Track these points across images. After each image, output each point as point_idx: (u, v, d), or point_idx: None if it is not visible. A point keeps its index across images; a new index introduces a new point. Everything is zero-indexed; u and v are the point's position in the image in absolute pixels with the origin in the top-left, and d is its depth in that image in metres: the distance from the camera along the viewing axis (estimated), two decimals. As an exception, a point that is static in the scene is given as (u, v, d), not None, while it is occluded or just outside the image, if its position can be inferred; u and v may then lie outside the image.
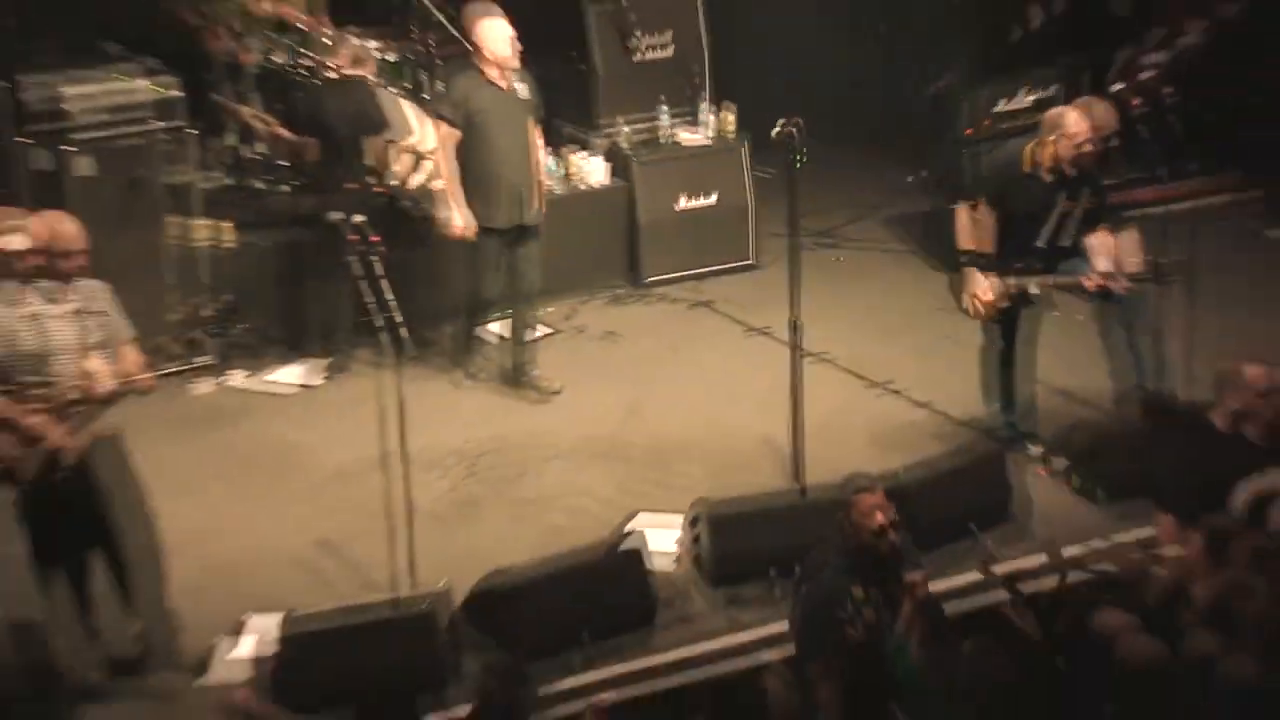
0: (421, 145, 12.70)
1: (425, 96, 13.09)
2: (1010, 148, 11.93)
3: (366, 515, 10.71)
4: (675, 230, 14.48)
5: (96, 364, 8.94)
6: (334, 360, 13.00)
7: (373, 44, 13.47)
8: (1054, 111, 11.60)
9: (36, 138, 12.22)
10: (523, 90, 12.40)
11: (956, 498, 10.77)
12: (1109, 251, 11.48)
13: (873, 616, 8.65)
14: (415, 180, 12.70)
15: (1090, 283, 11.30)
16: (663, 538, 10.64)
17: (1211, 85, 15.42)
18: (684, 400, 12.61)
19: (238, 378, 12.80)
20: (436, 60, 13.23)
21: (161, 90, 12.64)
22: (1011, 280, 11.41)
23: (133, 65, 12.61)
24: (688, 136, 14.68)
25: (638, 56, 14.71)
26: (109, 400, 9.02)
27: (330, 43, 13.37)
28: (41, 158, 12.22)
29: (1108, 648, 8.45)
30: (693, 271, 14.51)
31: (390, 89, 13.03)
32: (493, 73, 12.18)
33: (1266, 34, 15.42)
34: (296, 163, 13.24)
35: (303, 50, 13.41)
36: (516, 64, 12.23)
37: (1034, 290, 11.52)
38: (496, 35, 12.10)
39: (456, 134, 12.14)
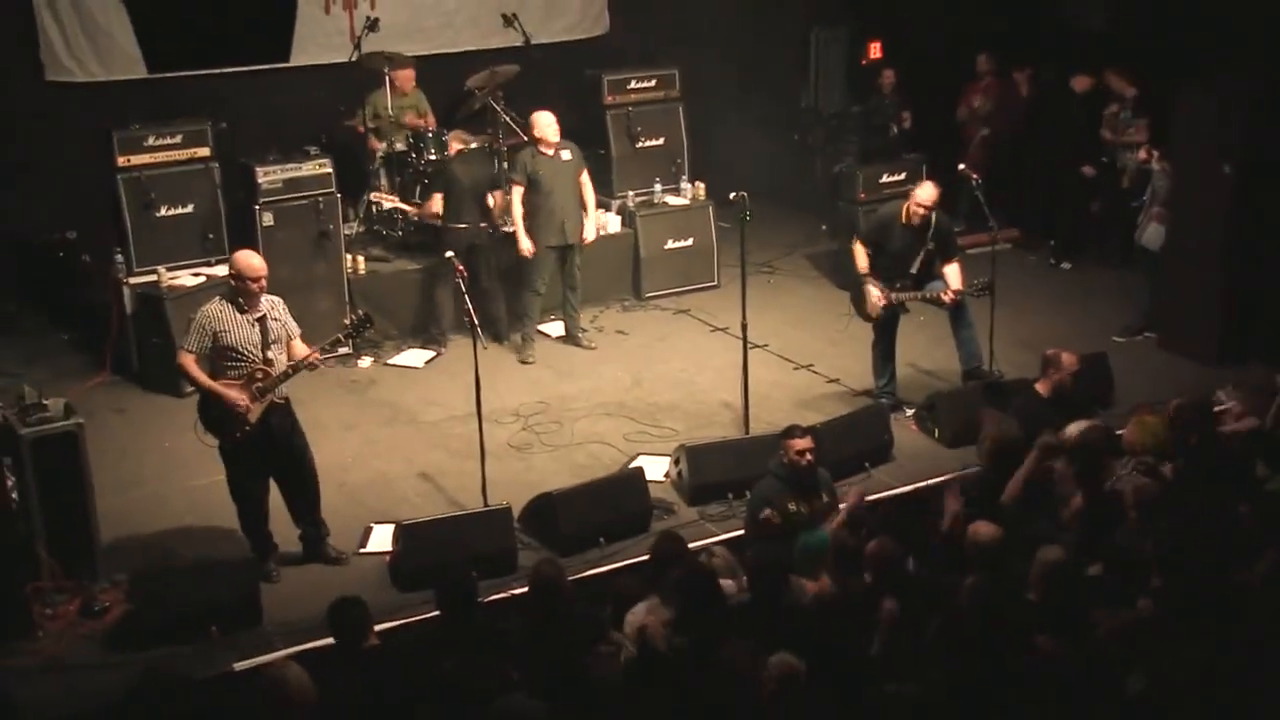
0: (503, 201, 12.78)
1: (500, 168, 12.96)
2: (889, 206, 11.80)
3: (453, 455, 10.76)
4: (665, 262, 14.28)
5: (273, 355, 8.96)
6: (433, 350, 12.77)
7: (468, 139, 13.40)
8: (921, 186, 11.55)
9: (261, 205, 12.37)
10: (566, 155, 12.55)
11: (855, 444, 10.62)
12: (957, 276, 11.36)
13: (801, 515, 8.98)
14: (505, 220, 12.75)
15: (947, 297, 11.22)
16: (655, 471, 10.52)
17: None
18: (669, 376, 12.39)
19: (368, 361, 12.58)
20: (502, 149, 12.96)
21: (321, 169, 12.60)
22: (894, 296, 11.28)
23: (315, 156, 12.70)
24: (673, 200, 14.49)
25: (639, 144, 14.60)
26: (283, 378, 8.97)
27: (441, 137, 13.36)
28: (267, 217, 12.35)
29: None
30: (677, 289, 14.30)
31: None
32: (544, 148, 12.39)
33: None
34: (424, 219, 13.03)
35: (423, 144, 13.29)
36: (557, 139, 12.45)
37: (910, 302, 11.45)
38: (544, 123, 12.41)
39: (522, 189, 12.37)
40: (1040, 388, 10.40)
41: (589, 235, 12.81)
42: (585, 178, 12.79)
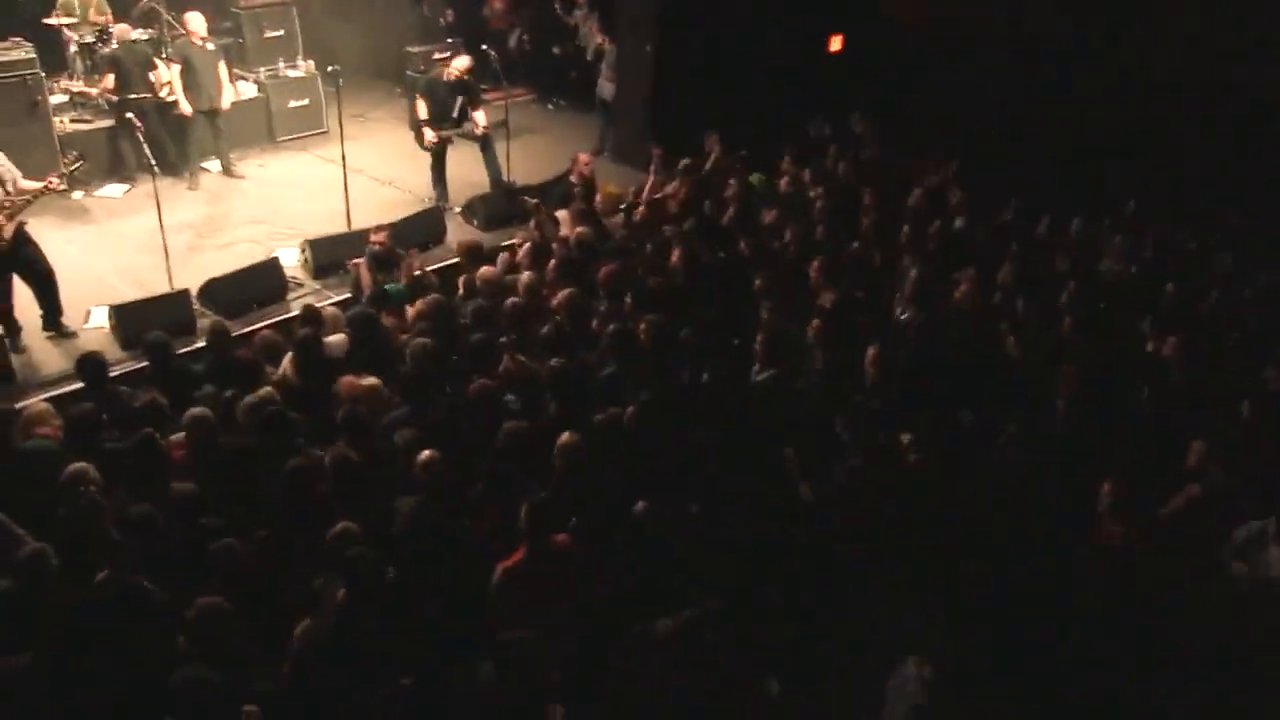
0: (166, 77, 12.07)
1: (164, 55, 12.24)
2: (435, 72, 12.07)
3: (147, 255, 10.36)
4: (290, 116, 13.82)
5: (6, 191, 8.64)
6: (127, 184, 12.18)
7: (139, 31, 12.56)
8: (457, 58, 11.90)
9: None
10: (210, 46, 12.11)
11: (419, 232, 10.73)
12: (483, 118, 11.71)
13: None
14: (167, 91, 12.07)
15: (478, 131, 11.50)
16: (288, 258, 10.49)
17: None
18: (296, 195, 12.14)
19: (80, 194, 11.90)
20: (166, 39, 12.38)
21: (27, 54, 11.54)
22: (441, 133, 11.55)
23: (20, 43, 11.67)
24: (292, 73, 13.98)
25: (265, 35, 14.03)
26: (25, 204, 8.73)
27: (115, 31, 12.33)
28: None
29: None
30: (299, 135, 13.84)
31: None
32: (195, 39, 11.92)
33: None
34: (102, 96, 12.18)
35: (105, 37, 12.43)
36: (203, 33, 11.99)
37: (454, 136, 11.70)
38: (194, 23, 11.97)
39: (180, 67, 11.90)
40: (574, 176, 11.03)
41: (226, 102, 12.39)
42: (222, 63, 12.29)
